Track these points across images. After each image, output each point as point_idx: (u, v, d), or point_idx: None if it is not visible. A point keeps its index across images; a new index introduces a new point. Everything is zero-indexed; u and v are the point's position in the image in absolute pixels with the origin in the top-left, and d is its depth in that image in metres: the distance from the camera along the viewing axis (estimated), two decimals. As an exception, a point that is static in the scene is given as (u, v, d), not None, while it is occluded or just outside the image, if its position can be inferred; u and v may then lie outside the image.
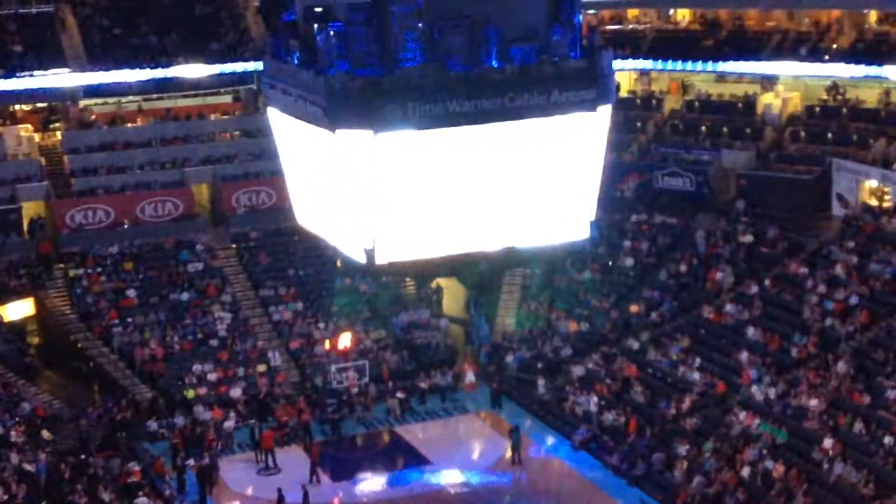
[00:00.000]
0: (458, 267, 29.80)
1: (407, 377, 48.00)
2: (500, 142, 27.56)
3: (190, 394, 46.05)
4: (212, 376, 47.13)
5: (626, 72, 57.62)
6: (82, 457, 40.25)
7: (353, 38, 26.70)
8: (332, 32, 26.80)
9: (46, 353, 49.73)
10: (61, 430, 42.85)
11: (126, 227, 53.14)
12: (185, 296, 50.83)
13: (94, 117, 56.90)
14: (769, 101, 55.25)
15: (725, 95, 57.12)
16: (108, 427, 43.30)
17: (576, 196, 29.10)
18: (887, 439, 36.87)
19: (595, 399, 44.06)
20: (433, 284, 51.92)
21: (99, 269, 51.35)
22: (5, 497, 34.37)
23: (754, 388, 41.44)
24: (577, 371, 46.27)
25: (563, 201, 28.98)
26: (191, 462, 40.70)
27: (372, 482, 41.25)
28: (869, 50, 51.99)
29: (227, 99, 59.73)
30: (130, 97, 57.58)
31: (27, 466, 37.48)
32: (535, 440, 43.16)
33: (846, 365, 40.41)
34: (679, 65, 56.50)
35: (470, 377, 47.76)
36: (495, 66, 27.32)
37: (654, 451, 40.51)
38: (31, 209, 52.69)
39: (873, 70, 50.73)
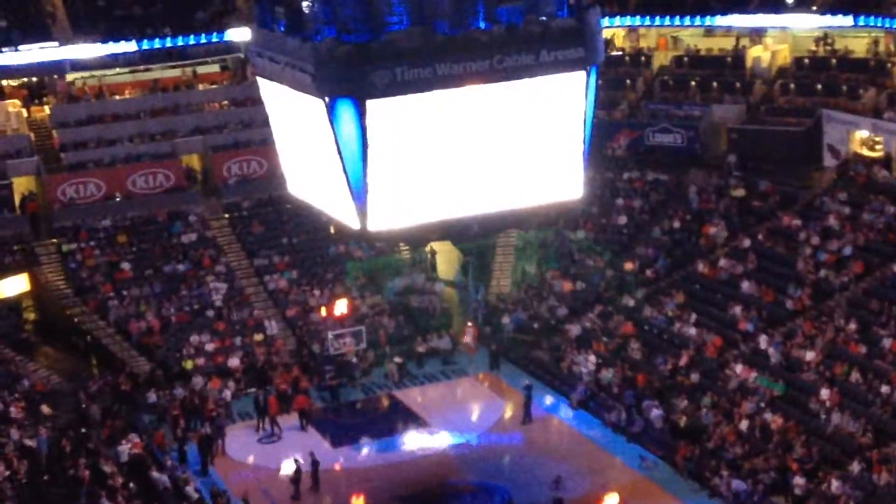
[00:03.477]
0: (451, 230, 29.83)
1: (404, 342, 48.08)
2: (489, 103, 27.47)
3: (188, 365, 46.10)
4: (209, 346, 47.18)
5: (613, 29, 57.38)
6: (82, 430, 40.39)
7: (340, 2, 26.55)
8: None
9: (43, 329, 49.75)
10: (61, 405, 42.91)
11: (118, 199, 53.04)
12: (179, 267, 50.81)
13: (82, 90, 56.62)
14: (758, 54, 55.14)
15: (714, 50, 56.97)
16: (110, 399, 43.40)
17: (567, 156, 29.06)
18: (884, 388, 37.08)
19: (592, 358, 44.19)
20: (427, 248, 51.93)
21: (92, 243, 51.30)
22: (7, 473, 34.47)
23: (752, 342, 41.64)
24: (574, 330, 46.38)
25: (555, 161, 28.95)
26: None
27: (372, 446, 41.38)
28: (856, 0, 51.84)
29: (215, 68, 59.45)
30: (117, 69, 57.26)
31: (28, 442, 37.57)
32: (534, 400, 43.23)
33: (842, 315, 40.56)
34: (667, 20, 56.35)
35: (469, 340, 47.84)
36: (483, 27, 27.21)
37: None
38: (21, 185, 52.52)
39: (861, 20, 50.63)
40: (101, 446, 38.86)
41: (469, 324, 48.44)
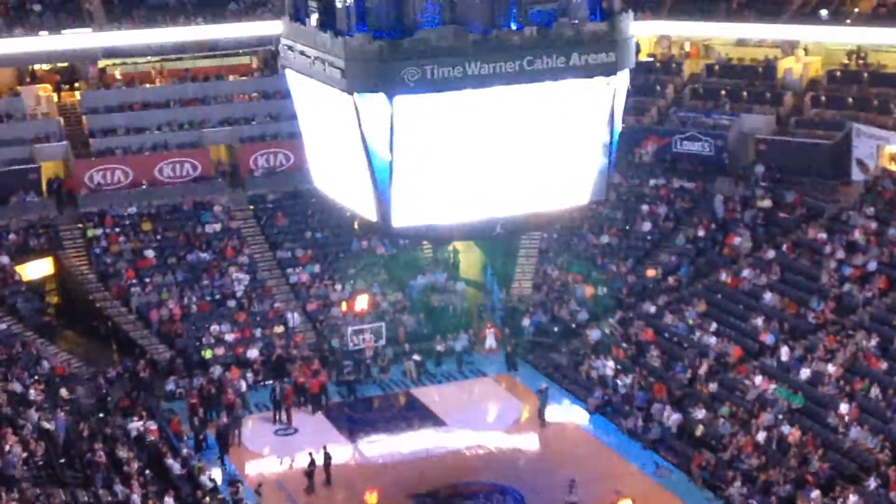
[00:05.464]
0: (474, 230, 29.86)
1: (423, 340, 48.10)
2: (517, 104, 27.49)
3: (207, 354, 46.26)
4: (229, 337, 47.33)
5: (645, 35, 57.23)
6: (101, 415, 40.60)
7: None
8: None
9: (65, 312, 50.02)
10: (79, 389, 43.11)
11: (144, 187, 53.28)
12: (203, 256, 51.00)
13: (113, 77, 56.88)
14: (790, 65, 54.88)
15: (746, 59, 56.78)
16: (129, 385, 43.60)
17: (593, 159, 29.05)
18: (903, 405, 36.90)
19: (611, 363, 44.12)
20: (450, 247, 51.94)
21: (117, 230, 51.53)
22: (25, 454, 34.66)
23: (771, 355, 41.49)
24: (593, 335, 46.31)
25: (581, 164, 28.94)
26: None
27: (388, 443, 41.42)
28: (891, 14, 51.53)
29: (246, 60, 59.62)
30: (149, 57, 57.52)
31: (46, 424, 37.77)
32: (550, 403, 43.17)
33: (864, 330, 40.36)
34: (699, 27, 56.17)
35: (490, 341, 47.83)
36: (514, 28, 27.25)
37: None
38: (49, 169, 52.81)
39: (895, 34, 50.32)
40: (116, 431, 39.06)
41: (489, 325, 48.40)
